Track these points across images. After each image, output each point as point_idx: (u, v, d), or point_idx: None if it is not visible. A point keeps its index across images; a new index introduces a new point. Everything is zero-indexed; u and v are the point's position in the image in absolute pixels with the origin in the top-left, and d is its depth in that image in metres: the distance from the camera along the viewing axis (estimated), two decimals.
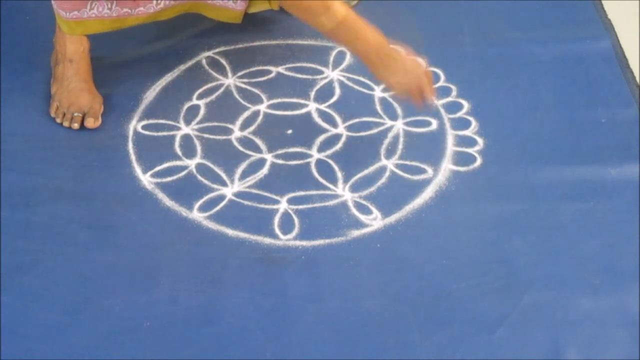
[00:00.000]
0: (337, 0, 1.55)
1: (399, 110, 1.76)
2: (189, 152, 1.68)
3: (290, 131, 1.72)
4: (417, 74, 1.61)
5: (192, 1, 1.74)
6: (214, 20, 1.80)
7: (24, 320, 1.42)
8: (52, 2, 1.67)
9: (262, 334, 1.42)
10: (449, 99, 1.79)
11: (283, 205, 1.60)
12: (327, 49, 1.88)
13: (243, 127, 1.73)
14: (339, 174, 1.65)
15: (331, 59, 1.86)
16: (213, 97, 1.78)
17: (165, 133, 1.71)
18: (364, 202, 1.61)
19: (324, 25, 1.57)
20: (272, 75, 1.83)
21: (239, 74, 1.82)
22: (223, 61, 1.85)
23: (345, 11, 1.56)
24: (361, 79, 1.82)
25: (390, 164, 1.67)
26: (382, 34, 1.59)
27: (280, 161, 1.67)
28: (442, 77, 1.83)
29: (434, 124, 1.75)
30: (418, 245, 1.54)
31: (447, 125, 1.74)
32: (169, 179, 1.63)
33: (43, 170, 1.63)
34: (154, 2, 1.68)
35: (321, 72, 1.83)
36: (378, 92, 1.79)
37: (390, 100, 1.78)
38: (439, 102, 1.78)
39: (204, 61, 1.84)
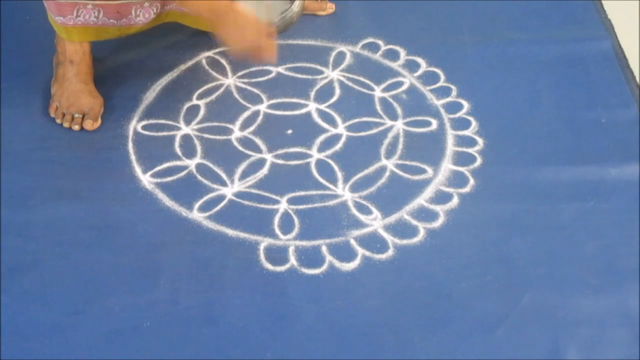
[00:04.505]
0: None
1: (399, 110, 1.76)
2: (189, 152, 1.68)
3: (290, 131, 1.72)
4: (253, 30, 1.55)
5: (170, 11, 1.72)
6: None
7: (24, 320, 1.42)
8: (44, 2, 1.66)
9: (262, 334, 1.42)
10: (449, 99, 1.79)
11: (283, 205, 1.60)
12: (327, 49, 1.88)
13: (243, 127, 1.73)
14: (339, 174, 1.65)
15: (331, 59, 1.86)
16: (213, 97, 1.78)
17: (165, 133, 1.71)
18: (364, 202, 1.61)
19: None
20: (272, 75, 1.83)
21: (239, 74, 1.82)
22: (223, 61, 1.84)
23: None
24: (361, 79, 1.82)
25: (390, 164, 1.67)
26: None
27: (280, 161, 1.67)
28: (442, 77, 1.83)
29: (434, 124, 1.74)
30: (418, 245, 1.54)
31: (447, 125, 1.74)
32: (169, 179, 1.63)
33: (43, 170, 1.63)
34: (133, 14, 1.66)
35: (321, 72, 1.83)
36: (378, 92, 1.79)
37: (391, 100, 1.78)
38: (439, 102, 1.78)
39: (204, 61, 1.84)
